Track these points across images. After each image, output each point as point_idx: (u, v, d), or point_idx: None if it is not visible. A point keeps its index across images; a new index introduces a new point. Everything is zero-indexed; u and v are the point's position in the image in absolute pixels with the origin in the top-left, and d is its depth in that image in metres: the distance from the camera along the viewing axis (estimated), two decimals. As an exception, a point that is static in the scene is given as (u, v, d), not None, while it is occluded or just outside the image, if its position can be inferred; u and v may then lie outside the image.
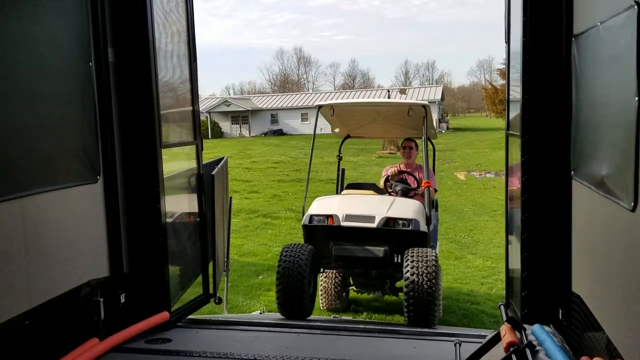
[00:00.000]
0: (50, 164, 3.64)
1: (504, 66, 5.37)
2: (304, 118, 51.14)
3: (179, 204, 5.10)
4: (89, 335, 3.97)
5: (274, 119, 53.75)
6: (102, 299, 4.17)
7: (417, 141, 7.52)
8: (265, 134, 52.24)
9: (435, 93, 52.10)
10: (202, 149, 5.36)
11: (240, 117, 53.90)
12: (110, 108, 4.27)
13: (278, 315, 5.79)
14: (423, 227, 5.98)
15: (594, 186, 3.13)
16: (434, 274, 5.32)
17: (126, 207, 4.45)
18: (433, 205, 7.10)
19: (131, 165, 4.47)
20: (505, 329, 3.74)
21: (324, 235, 6.12)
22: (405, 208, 6.13)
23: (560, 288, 3.93)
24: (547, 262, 4.05)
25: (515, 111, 4.41)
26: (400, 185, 7.06)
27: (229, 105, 53.57)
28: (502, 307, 4.85)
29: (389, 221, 5.92)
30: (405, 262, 5.50)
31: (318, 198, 6.61)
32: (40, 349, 3.55)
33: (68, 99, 3.86)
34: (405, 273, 5.39)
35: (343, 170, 8.08)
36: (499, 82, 48.71)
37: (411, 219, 5.90)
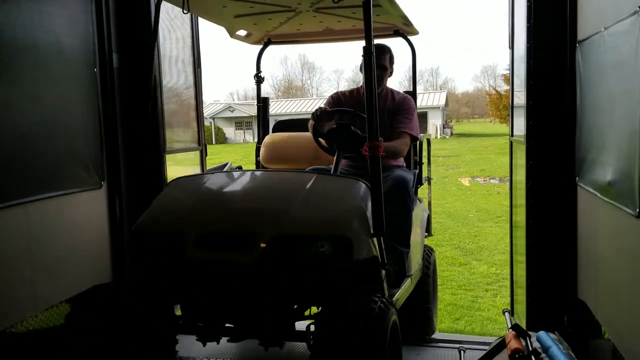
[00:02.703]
0: (54, 169, 3.64)
1: (508, 72, 5.34)
2: (308, 123, 51.23)
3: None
4: (92, 341, 3.96)
5: (278, 125, 53.83)
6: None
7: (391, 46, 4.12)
8: (269, 139, 52.22)
9: (440, 99, 52.23)
10: (206, 155, 5.37)
11: (244, 123, 53.97)
12: (115, 114, 4.28)
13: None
14: (362, 250, 2.74)
15: (599, 192, 3.12)
16: None
17: (130, 213, 4.45)
18: (417, 175, 4.33)
19: (135, 171, 4.47)
20: (509, 336, 3.70)
21: (165, 271, 3.02)
22: (327, 204, 2.90)
23: (566, 295, 3.92)
24: (552, 268, 4.03)
25: (519, 117, 4.40)
26: (339, 137, 3.59)
27: (233, 111, 53.61)
28: (506, 313, 4.82)
29: (286, 244, 2.69)
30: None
31: (171, 181, 3.43)
32: (44, 355, 3.55)
33: (72, 105, 3.86)
34: None
35: (266, 100, 5.09)
36: (503, 87, 48.61)
37: (337, 236, 2.67)
